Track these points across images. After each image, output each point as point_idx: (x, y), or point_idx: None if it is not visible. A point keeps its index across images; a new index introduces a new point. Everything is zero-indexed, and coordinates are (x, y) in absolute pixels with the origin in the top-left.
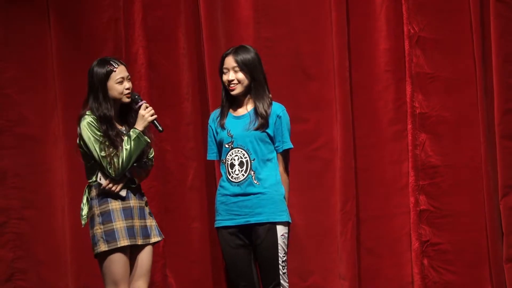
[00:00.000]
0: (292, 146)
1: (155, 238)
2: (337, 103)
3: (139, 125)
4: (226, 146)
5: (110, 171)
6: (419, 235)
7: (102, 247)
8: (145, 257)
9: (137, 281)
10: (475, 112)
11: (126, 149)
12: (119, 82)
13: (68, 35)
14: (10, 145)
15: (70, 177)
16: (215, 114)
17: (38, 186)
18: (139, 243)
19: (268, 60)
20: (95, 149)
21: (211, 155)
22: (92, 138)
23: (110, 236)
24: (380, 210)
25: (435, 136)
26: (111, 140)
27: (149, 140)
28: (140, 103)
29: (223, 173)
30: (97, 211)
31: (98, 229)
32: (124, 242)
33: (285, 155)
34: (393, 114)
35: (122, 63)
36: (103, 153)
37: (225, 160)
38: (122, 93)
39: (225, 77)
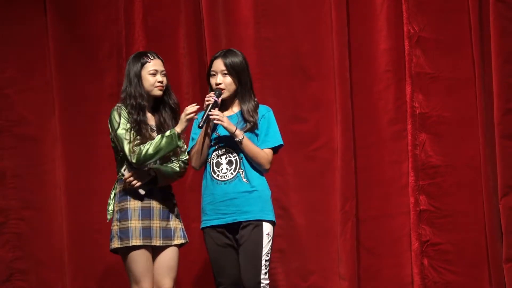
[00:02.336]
0: (273, 146)
1: (178, 240)
2: (337, 103)
3: (179, 127)
4: (212, 145)
5: (131, 155)
6: (419, 235)
7: (116, 243)
8: (167, 257)
9: (160, 281)
10: (475, 112)
11: (156, 142)
12: (152, 73)
13: (66, 35)
14: (9, 146)
15: (67, 177)
16: (201, 114)
17: (37, 187)
18: (157, 244)
19: (268, 60)
20: (120, 136)
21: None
22: (121, 126)
23: (124, 233)
24: (380, 210)
25: (435, 136)
26: (140, 128)
27: (180, 145)
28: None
29: (207, 173)
30: (116, 207)
31: (115, 226)
32: (136, 241)
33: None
34: (393, 114)
35: (159, 57)
36: (127, 137)
37: (210, 159)
38: (153, 85)
39: (212, 80)
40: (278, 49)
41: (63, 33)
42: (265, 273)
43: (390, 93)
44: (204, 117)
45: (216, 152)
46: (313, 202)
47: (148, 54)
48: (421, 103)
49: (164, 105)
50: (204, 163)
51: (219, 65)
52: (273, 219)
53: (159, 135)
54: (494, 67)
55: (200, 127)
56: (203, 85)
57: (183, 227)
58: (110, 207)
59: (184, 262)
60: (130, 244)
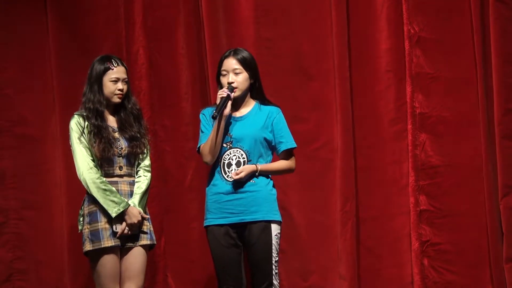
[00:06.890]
0: (295, 146)
1: (144, 241)
2: (337, 103)
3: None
4: (224, 145)
5: (84, 172)
6: (419, 235)
7: (88, 246)
8: (133, 260)
9: (126, 283)
10: (475, 112)
11: (102, 194)
12: (113, 81)
13: (66, 35)
14: (9, 146)
15: (68, 177)
16: (208, 110)
17: (37, 187)
18: (127, 245)
19: (268, 60)
20: (73, 148)
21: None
22: (74, 138)
23: (95, 236)
24: (380, 210)
25: (435, 136)
26: (99, 131)
27: (110, 213)
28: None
29: (216, 172)
30: (86, 210)
31: (86, 229)
32: (108, 242)
33: (287, 154)
34: (394, 114)
35: (123, 65)
36: (79, 150)
37: (222, 159)
38: (113, 92)
39: (224, 79)
40: (278, 49)
41: (64, 33)
42: (276, 273)
43: (391, 93)
44: (218, 109)
45: (227, 153)
46: (313, 202)
47: (113, 60)
48: (421, 103)
49: (124, 109)
50: (216, 159)
51: (230, 64)
52: (280, 219)
53: (110, 197)
54: (494, 67)
55: (213, 118)
56: (203, 85)
57: (151, 229)
58: (81, 218)
59: (184, 262)
60: (102, 246)
